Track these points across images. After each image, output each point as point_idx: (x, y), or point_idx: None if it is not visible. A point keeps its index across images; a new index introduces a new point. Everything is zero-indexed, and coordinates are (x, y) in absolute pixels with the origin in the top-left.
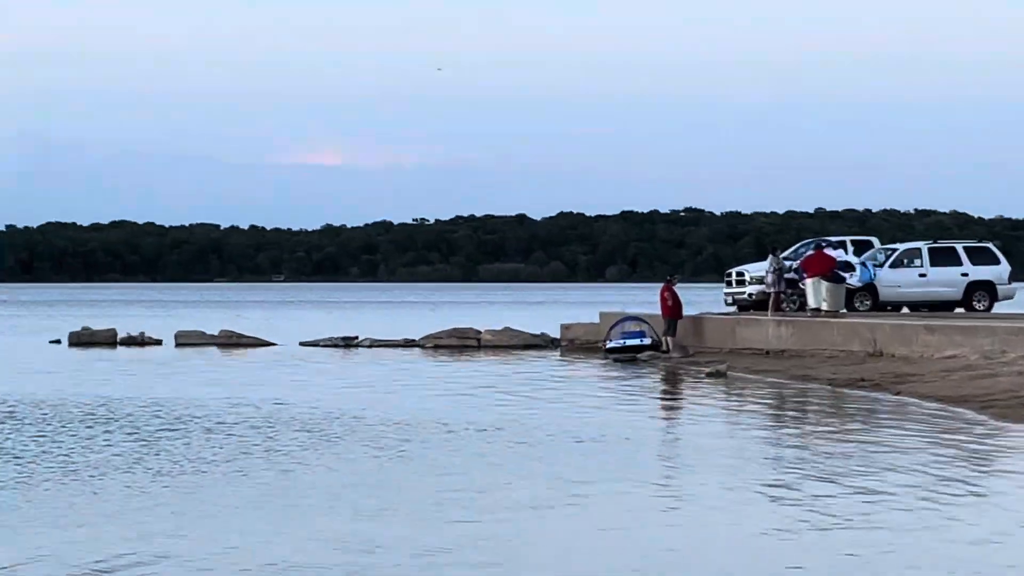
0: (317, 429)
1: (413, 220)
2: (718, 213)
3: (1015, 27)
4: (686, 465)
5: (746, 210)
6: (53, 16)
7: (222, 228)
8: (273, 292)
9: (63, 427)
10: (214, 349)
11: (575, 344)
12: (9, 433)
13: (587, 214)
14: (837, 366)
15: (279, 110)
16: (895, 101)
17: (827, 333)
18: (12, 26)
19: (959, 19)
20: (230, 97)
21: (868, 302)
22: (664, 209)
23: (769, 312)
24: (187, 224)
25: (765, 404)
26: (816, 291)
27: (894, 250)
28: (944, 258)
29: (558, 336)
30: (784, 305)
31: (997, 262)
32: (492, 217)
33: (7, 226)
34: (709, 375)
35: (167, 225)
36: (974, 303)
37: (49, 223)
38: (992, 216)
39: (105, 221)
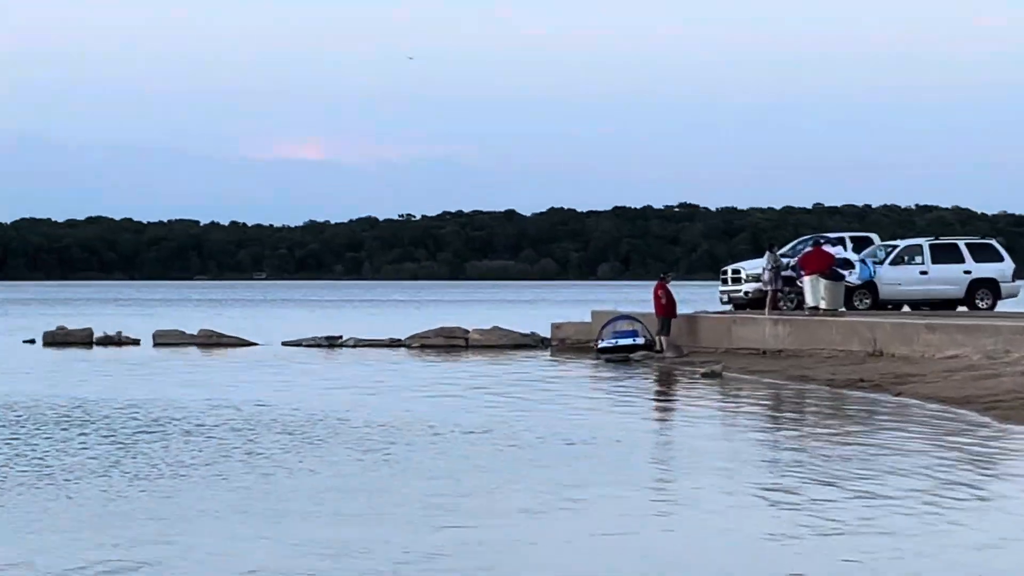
0: (300, 432)
1: (399, 216)
2: (713, 209)
3: (1016, 23)
4: (681, 469)
5: (742, 206)
6: (19, 13)
7: (202, 224)
8: (254, 290)
9: (37, 430)
10: (193, 349)
11: (566, 344)
12: None
13: (578, 210)
14: (836, 366)
15: (261, 103)
16: (895, 95)
17: (825, 332)
18: None
19: (959, 16)
20: (209, 91)
21: (868, 300)
22: (658, 205)
23: (766, 311)
24: (166, 220)
25: (762, 406)
26: (814, 289)
27: (894, 247)
28: (946, 255)
29: (548, 336)
30: (781, 304)
31: (1000, 259)
32: (480, 213)
33: None
34: (704, 376)
35: (145, 221)
36: (977, 301)
37: (23, 219)
38: (995, 212)
39: (81, 217)
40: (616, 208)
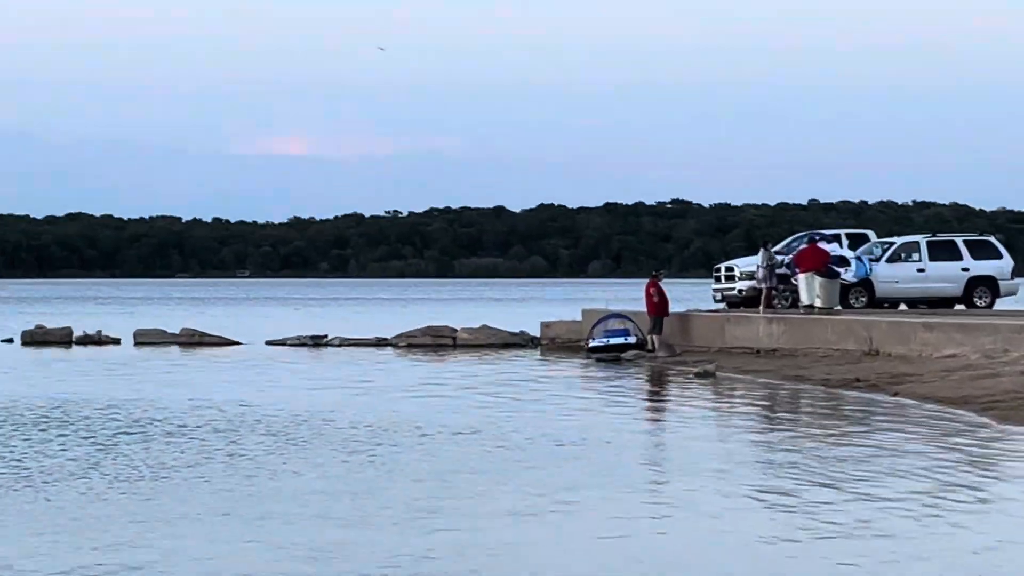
0: (284, 433)
1: (385, 212)
2: (706, 205)
3: (1015, 16)
4: (674, 470)
5: (736, 202)
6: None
7: (184, 221)
8: (238, 288)
9: (15, 431)
10: (175, 348)
11: (556, 343)
12: None
13: (569, 206)
14: (831, 366)
15: (244, 97)
16: (893, 89)
17: (821, 331)
18: None
19: (958, 8)
20: (191, 85)
21: (864, 298)
22: (650, 201)
23: (760, 309)
24: (147, 217)
25: (756, 406)
26: (809, 287)
27: (891, 244)
28: (943, 252)
29: (538, 335)
30: (776, 302)
31: (999, 256)
32: (469, 209)
33: None
34: (697, 375)
35: (126, 218)
36: (975, 299)
37: (0, 215)
38: (994, 208)
39: (60, 214)
40: (607, 204)
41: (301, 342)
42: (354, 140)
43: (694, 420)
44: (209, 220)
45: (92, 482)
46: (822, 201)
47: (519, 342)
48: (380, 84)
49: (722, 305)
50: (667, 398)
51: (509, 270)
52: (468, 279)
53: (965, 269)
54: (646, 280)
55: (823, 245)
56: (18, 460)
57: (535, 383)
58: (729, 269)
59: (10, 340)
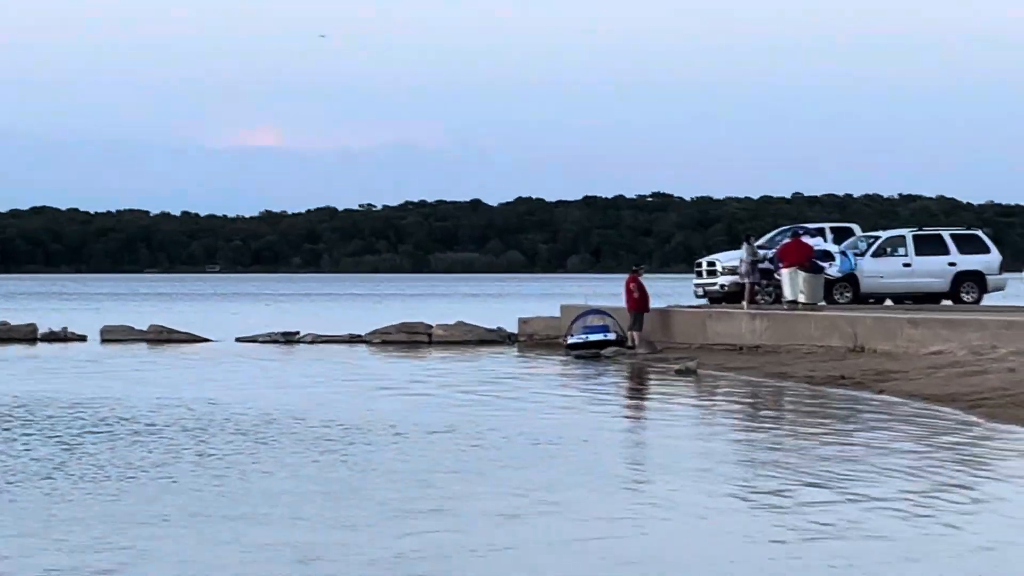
0: (254, 432)
1: (359, 206)
2: (688, 198)
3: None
4: (656, 470)
5: (718, 195)
6: None
7: (152, 215)
8: (207, 284)
9: None
10: (143, 345)
11: (534, 339)
12: None
13: (547, 199)
14: (815, 363)
15: (214, 89)
16: (878, 81)
17: (805, 327)
18: None
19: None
20: (160, 76)
21: (848, 294)
22: (630, 194)
23: (743, 305)
24: (114, 210)
25: (739, 404)
26: (793, 282)
27: (876, 238)
28: (930, 246)
29: (515, 331)
30: (759, 297)
31: (987, 251)
32: (444, 203)
33: None
34: (678, 372)
35: (92, 211)
36: (962, 295)
37: None
38: (982, 202)
39: (25, 207)
40: (586, 198)
41: (272, 339)
42: (327, 132)
43: (675, 418)
44: (178, 214)
45: (57, 483)
46: (806, 194)
47: (496, 339)
48: (354, 76)
49: (704, 301)
50: (648, 396)
51: (486, 265)
52: (444, 274)
53: (952, 264)
54: (626, 275)
55: (807, 239)
56: None
57: (513, 381)
58: (711, 264)
59: None
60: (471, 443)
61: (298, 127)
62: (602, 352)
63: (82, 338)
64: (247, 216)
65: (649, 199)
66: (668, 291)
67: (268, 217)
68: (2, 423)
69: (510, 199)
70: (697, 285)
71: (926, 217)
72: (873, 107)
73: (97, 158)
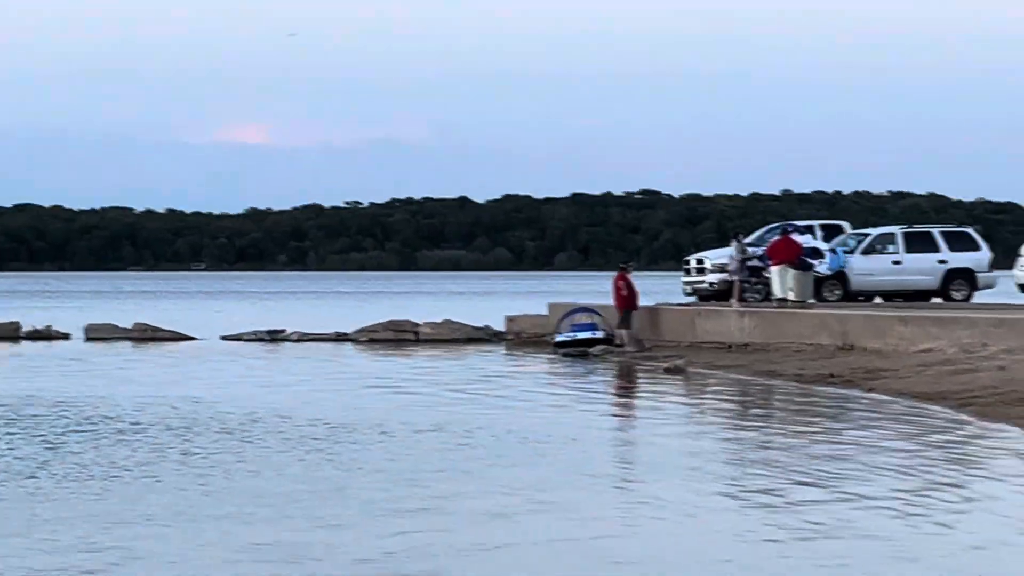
0: (239, 431)
1: (345, 203)
2: (676, 196)
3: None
4: (645, 468)
5: (707, 192)
6: None
7: (136, 212)
8: (192, 282)
9: None
10: (127, 344)
11: (521, 338)
12: None
13: (534, 197)
14: (805, 361)
15: (199, 85)
16: (868, 77)
17: (794, 325)
18: None
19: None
20: (145, 72)
21: (838, 292)
22: (618, 191)
23: (732, 303)
24: (98, 208)
25: (728, 402)
26: (782, 280)
27: (866, 235)
28: (920, 244)
29: (503, 329)
30: (748, 295)
31: (977, 248)
32: (431, 200)
33: None
34: (667, 371)
35: (76, 209)
36: (952, 292)
37: None
38: (972, 199)
39: (8, 204)
40: (574, 195)
41: (258, 337)
42: (313, 129)
43: (664, 417)
44: (163, 211)
45: (41, 482)
46: (795, 191)
47: (483, 337)
48: (340, 72)
49: (693, 298)
50: (636, 394)
51: (473, 262)
52: (431, 272)
53: (942, 261)
54: (614, 273)
55: (796, 237)
56: None
57: (500, 379)
58: (700, 261)
59: None
60: (459, 442)
61: (284, 124)
62: (590, 350)
63: (66, 336)
64: (232, 214)
65: (637, 196)
66: (656, 289)
67: (254, 215)
68: None
69: (497, 196)
70: (686, 283)
71: (916, 214)
72: (863, 104)
73: (81, 155)
